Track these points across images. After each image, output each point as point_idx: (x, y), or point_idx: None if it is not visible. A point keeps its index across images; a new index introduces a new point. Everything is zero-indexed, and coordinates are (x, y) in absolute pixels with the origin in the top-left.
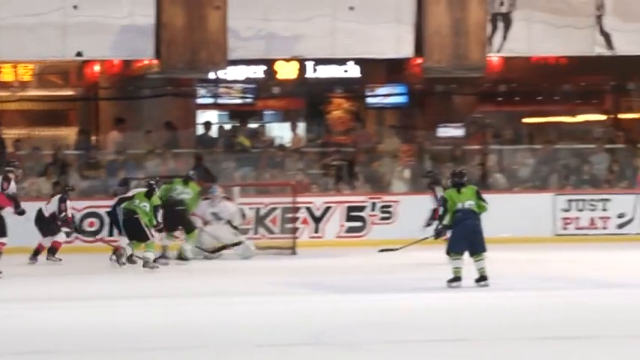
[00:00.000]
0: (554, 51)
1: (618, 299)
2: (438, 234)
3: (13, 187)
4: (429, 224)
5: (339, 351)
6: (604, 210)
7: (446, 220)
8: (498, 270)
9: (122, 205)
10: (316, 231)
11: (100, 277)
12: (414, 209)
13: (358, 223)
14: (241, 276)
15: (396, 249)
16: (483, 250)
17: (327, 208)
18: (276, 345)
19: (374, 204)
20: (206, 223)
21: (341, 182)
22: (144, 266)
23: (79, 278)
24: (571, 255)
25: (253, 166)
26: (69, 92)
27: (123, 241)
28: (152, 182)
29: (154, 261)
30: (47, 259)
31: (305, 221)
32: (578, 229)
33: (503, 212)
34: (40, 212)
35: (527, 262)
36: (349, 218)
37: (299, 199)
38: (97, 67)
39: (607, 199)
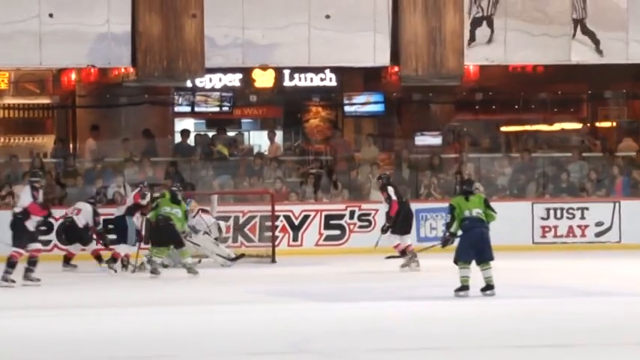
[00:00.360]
0: (531, 59)
1: (597, 307)
2: (445, 242)
3: (41, 197)
4: (384, 230)
5: (318, 359)
6: (582, 218)
7: (453, 228)
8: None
9: (149, 214)
10: (295, 239)
11: (81, 286)
12: None
13: (337, 232)
14: (220, 284)
15: (403, 256)
16: (491, 258)
17: (306, 217)
18: (256, 353)
19: (353, 212)
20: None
21: (319, 190)
22: (188, 272)
23: (61, 287)
24: (550, 263)
25: (231, 174)
26: (46, 100)
27: (122, 248)
28: (175, 187)
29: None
30: (64, 267)
31: (284, 229)
32: (556, 237)
33: None
34: (72, 222)
35: (506, 270)
36: (328, 226)
37: (278, 208)
38: (73, 76)
39: (585, 208)
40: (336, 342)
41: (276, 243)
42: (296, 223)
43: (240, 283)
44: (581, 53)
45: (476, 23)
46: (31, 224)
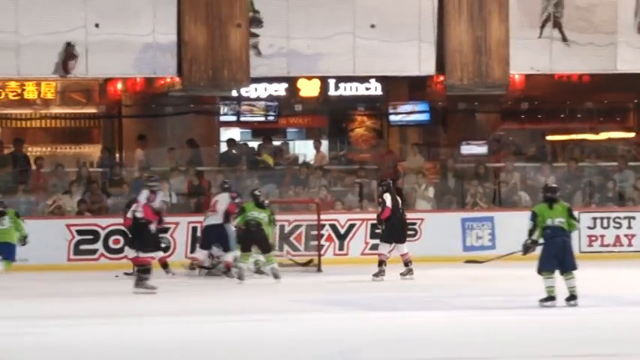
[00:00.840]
0: (576, 68)
1: None
2: (526, 249)
3: (157, 202)
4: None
5: None
6: (629, 228)
7: (535, 236)
8: (522, 288)
9: (237, 220)
10: (341, 248)
11: (138, 294)
12: (439, 226)
13: None
14: (267, 293)
15: (482, 262)
16: (574, 267)
17: (352, 226)
18: None
19: None
20: None
21: (365, 199)
22: (275, 277)
23: (110, 297)
24: (596, 272)
25: (277, 183)
26: (92, 110)
27: (229, 256)
28: (257, 192)
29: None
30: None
31: (330, 238)
32: (603, 246)
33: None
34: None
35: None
36: (374, 235)
37: (323, 217)
38: (119, 85)
39: (632, 217)
40: (384, 351)
41: (322, 252)
42: (342, 232)
43: (286, 292)
44: (627, 62)
45: (521, 32)
46: (152, 228)
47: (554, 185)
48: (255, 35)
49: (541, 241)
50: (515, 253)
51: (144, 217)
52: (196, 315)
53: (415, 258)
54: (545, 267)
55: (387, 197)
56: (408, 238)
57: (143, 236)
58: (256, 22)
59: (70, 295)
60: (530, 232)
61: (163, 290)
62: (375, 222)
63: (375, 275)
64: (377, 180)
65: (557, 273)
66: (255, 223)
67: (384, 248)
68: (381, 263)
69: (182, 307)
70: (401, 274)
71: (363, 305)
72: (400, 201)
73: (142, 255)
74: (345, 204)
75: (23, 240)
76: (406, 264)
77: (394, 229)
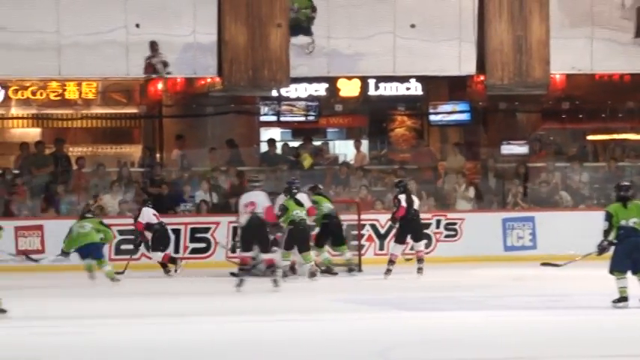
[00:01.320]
0: (617, 68)
1: None
2: (602, 250)
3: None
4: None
5: None
6: None
7: (611, 236)
8: (564, 287)
9: (281, 220)
10: (381, 248)
11: (183, 294)
12: (479, 226)
13: (423, 241)
14: (307, 293)
15: (560, 265)
16: None
17: (392, 226)
18: None
19: (439, 221)
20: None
21: None
22: (310, 276)
23: (156, 296)
24: None
25: (317, 183)
26: (133, 110)
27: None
28: (294, 190)
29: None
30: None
31: (370, 238)
32: None
33: (568, 230)
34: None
35: (597, 278)
36: None
37: (364, 216)
38: (160, 85)
39: None
40: (425, 351)
41: (362, 252)
42: (382, 231)
43: (326, 292)
44: None
45: (561, 32)
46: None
47: (627, 183)
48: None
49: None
50: (591, 254)
51: (266, 218)
52: (235, 315)
53: (456, 258)
54: (616, 267)
55: (402, 197)
56: (448, 239)
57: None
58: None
59: (112, 295)
60: (606, 233)
61: (201, 292)
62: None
63: (385, 273)
64: (415, 180)
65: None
66: (301, 220)
67: (397, 249)
68: (391, 262)
69: (229, 307)
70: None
71: (403, 305)
72: (416, 201)
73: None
74: (385, 204)
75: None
76: (419, 261)
77: (408, 229)
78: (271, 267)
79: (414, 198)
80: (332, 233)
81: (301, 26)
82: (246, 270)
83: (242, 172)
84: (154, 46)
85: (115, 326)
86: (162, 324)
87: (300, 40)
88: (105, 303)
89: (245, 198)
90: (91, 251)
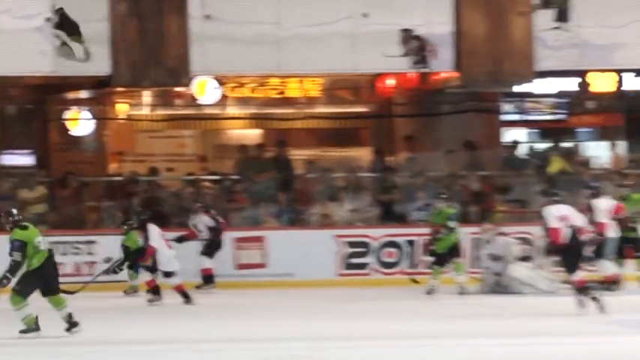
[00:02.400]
0: None
1: None
2: None
3: None
4: None
5: None
6: None
7: None
8: None
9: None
10: None
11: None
12: None
13: None
14: (559, 313)
15: None
16: None
17: None
18: None
19: None
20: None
21: None
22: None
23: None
24: None
25: (568, 189)
26: (361, 109)
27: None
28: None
29: None
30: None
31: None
32: None
33: None
34: None
35: None
36: None
37: None
38: (390, 81)
39: None
40: None
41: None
42: None
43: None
44: None
45: None
46: None
47: None
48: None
49: None
50: None
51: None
52: (488, 338)
53: None
54: None
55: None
56: None
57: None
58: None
59: (339, 314)
60: None
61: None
62: None
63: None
64: None
65: None
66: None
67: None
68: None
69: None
70: None
71: None
72: None
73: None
74: None
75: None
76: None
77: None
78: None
79: None
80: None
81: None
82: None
83: (485, 177)
84: (409, 34)
85: (343, 349)
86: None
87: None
88: (321, 324)
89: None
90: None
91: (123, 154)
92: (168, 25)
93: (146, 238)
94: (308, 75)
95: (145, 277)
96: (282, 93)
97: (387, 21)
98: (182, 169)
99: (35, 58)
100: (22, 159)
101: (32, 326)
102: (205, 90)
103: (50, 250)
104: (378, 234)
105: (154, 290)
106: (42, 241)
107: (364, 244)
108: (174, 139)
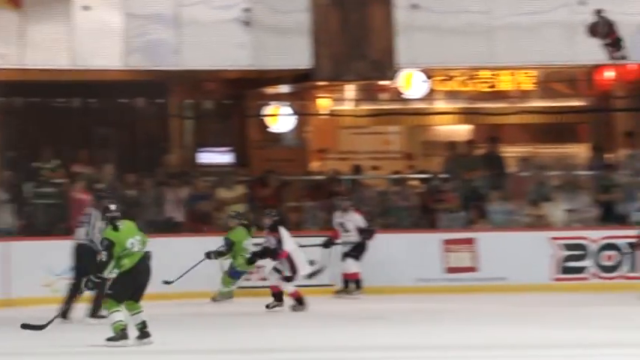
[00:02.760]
0: None
1: None
2: None
3: None
4: None
5: None
6: None
7: None
8: None
9: None
10: None
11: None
12: None
13: None
14: None
15: None
16: None
17: None
18: None
19: None
20: None
21: None
22: None
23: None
24: None
25: None
26: (577, 103)
27: None
28: None
29: None
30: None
31: None
32: None
33: None
34: None
35: None
36: None
37: None
38: (609, 73)
39: None
40: None
41: None
42: None
43: None
44: None
45: None
46: None
47: None
48: None
49: None
50: None
51: None
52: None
53: None
54: None
55: None
56: None
57: None
58: None
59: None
60: None
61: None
62: None
63: None
64: None
65: None
66: None
67: None
68: None
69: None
70: None
71: None
72: None
73: None
74: None
75: None
76: None
77: None
78: None
79: None
80: None
81: None
82: None
83: None
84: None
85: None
86: None
87: None
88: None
89: None
90: None
91: (325, 151)
92: (372, 15)
93: (279, 241)
94: (521, 67)
95: (288, 288)
96: (493, 86)
97: (606, 8)
98: (387, 167)
99: (232, 50)
100: (220, 157)
101: (119, 333)
102: (412, 83)
103: (146, 252)
104: (596, 236)
105: (299, 300)
106: (136, 242)
107: (582, 247)
108: (378, 135)
